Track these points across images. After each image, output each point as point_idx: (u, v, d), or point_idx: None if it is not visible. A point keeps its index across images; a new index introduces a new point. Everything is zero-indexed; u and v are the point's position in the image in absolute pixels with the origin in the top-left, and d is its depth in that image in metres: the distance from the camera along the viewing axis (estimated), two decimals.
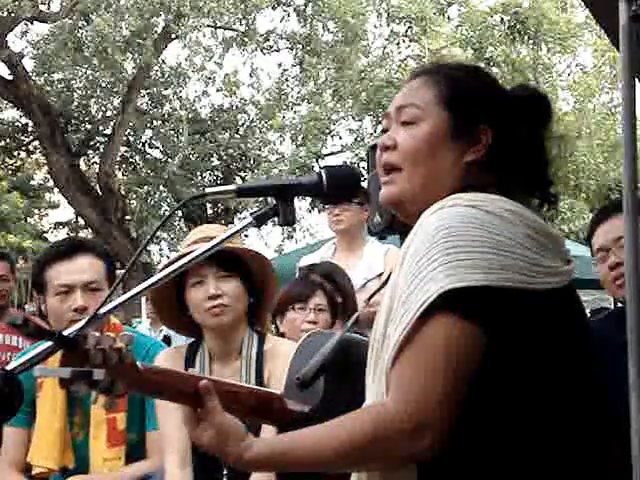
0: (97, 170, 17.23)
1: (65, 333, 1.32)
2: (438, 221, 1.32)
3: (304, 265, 4.00)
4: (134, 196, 18.21)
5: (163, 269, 1.49)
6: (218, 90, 18.57)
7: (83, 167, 18.28)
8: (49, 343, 1.33)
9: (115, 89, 17.23)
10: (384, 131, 1.53)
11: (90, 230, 17.09)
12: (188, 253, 1.46)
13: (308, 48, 16.88)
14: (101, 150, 18.07)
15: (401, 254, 1.38)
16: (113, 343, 1.34)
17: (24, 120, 18.05)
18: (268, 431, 1.86)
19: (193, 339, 2.50)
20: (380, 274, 4.03)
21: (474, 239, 1.29)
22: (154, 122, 18.55)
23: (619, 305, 2.60)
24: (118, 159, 18.10)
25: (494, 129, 1.46)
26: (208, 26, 16.67)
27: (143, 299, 7.38)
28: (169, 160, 17.36)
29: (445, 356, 1.27)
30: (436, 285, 1.26)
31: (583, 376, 1.38)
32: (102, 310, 1.36)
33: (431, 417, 1.25)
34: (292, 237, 18.59)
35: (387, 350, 1.33)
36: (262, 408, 1.55)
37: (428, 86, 1.49)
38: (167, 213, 17.99)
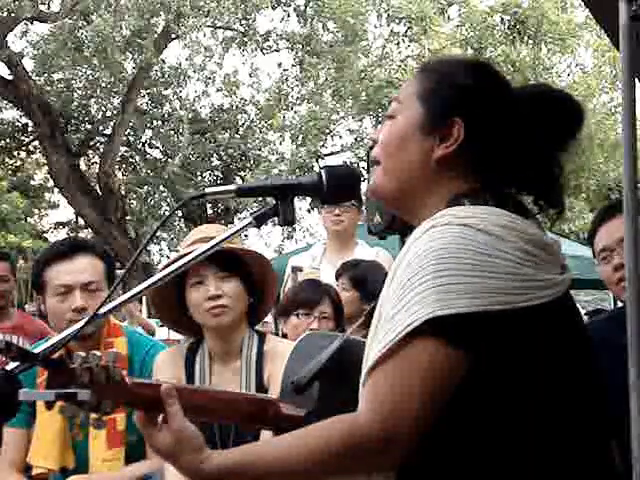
0: (97, 170, 17.24)
1: (54, 339, 1.31)
2: (429, 242, 1.30)
3: (298, 265, 4.03)
4: (134, 196, 18.22)
5: (163, 269, 1.49)
6: (218, 90, 18.58)
7: (83, 167, 18.29)
8: (49, 343, 1.33)
9: (115, 89, 17.23)
10: None
11: (90, 230, 17.10)
12: (188, 253, 1.46)
13: (308, 48, 16.87)
14: (101, 150, 18.07)
15: (392, 269, 1.37)
16: (100, 361, 1.32)
17: (24, 120, 18.06)
18: (267, 435, 1.85)
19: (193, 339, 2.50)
20: None
21: (464, 262, 1.27)
22: (154, 122, 18.56)
23: (620, 305, 2.60)
24: (118, 159, 18.11)
25: (470, 126, 1.42)
26: (208, 26, 16.67)
27: (144, 299, 7.40)
28: (169, 160, 17.35)
29: (422, 378, 1.26)
30: (423, 309, 1.25)
31: (583, 384, 1.37)
32: (102, 310, 1.35)
33: (400, 435, 1.25)
34: (292, 237, 18.61)
35: (366, 364, 1.33)
36: (258, 414, 1.54)
37: (415, 80, 1.50)
38: (167, 213, 17.99)
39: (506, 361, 1.29)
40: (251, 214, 1.44)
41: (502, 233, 1.31)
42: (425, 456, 1.30)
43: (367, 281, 3.51)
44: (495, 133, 1.43)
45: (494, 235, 1.31)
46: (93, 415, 1.34)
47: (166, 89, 18.33)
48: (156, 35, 16.13)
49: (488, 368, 1.28)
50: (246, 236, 16.94)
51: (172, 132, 18.03)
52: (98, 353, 1.32)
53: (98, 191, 16.60)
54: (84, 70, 17.09)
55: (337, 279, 3.60)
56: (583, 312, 10.77)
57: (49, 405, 1.30)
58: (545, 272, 1.33)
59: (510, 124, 1.44)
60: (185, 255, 1.49)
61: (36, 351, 1.31)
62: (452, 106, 1.44)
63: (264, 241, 19.22)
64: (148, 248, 16.12)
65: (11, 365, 1.28)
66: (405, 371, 1.27)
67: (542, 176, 1.46)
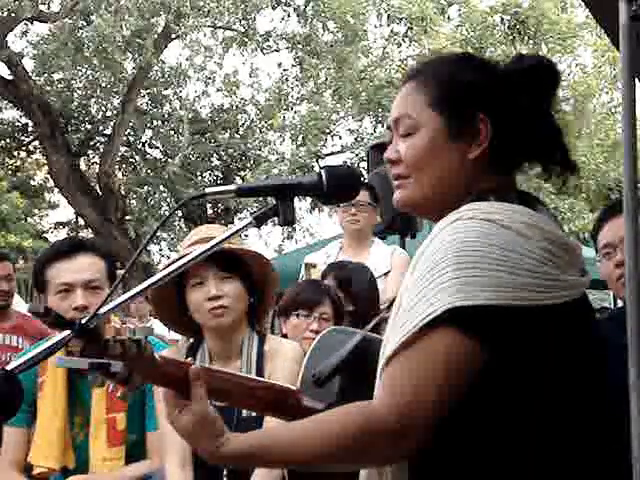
0: (97, 170, 17.23)
1: (48, 344, 1.31)
2: (453, 234, 1.32)
3: (313, 262, 4.03)
4: (134, 196, 18.21)
5: (163, 269, 1.49)
6: (218, 90, 18.58)
7: (83, 167, 18.28)
8: (49, 343, 1.33)
9: (115, 89, 17.23)
10: (389, 143, 1.53)
11: (90, 230, 17.09)
12: (188, 254, 1.46)
13: (308, 48, 16.87)
14: (101, 150, 18.07)
15: (414, 260, 1.38)
16: (132, 335, 1.34)
17: (24, 120, 18.04)
18: (272, 422, 1.86)
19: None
20: (386, 273, 4.08)
21: (487, 256, 1.28)
22: (154, 122, 18.55)
23: (620, 305, 2.60)
24: (118, 159, 18.11)
25: (491, 117, 1.44)
26: (208, 26, 16.68)
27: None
28: (169, 160, 17.35)
29: (441, 368, 1.27)
30: (443, 300, 1.26)
31: (593, 386, 1.38)
32: (102, 310, 1.36)
33: (417, 424, 1.26)
34: (292, 237, 18.59)
35: (384, 354, 1.33)
36: (277, 403, 1.55)
37: (417, 91, 1.48)
38: (167, 213, 17.99)
39: (521, 357, 1.30)
40: (251, 214, 1.44)
41: (526, 231, 1.32)
42: (438, 446, 1.30)
43: (352, 282, 3.52)
44: (512, 116, 1.44)
45: (518, 232, 1.32)
46: (98, 399, 1.36)
47: (166, 89, 18.32)
48: (156, 35, 16.13)
49: (503, 362, 1.29)
50: (246, 236, 16.94)
51: (172, 132, 18.03)
52: (131, 326, 1.34)
53: (98, 191, 16.60)
54: (84, 70, 17.09)
55: (323, 279, 3.61)
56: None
57: (82, 372, 1.32)
58: (565, 273, 1.34)
59: (517, 101, 1.45)
60: (185, 255, 1.49)
61: (37, 349, 1.31)
62: (471, 104, 1.44)
63: (264, 241, 19.22)
64: (148, 248, 16.12)
65: (11, 365, 1.28)
66: (423, 361, 1.28)
67: (547, 139, 1.48)
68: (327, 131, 17.12)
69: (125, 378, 1.35)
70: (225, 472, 2.29)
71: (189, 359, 1.47)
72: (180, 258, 1.60)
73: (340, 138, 17.72)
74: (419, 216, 1.58)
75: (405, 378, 1.28)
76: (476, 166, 1.44)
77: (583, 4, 3.47)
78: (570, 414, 1.34)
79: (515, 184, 1.48)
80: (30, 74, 16.21)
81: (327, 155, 17.58)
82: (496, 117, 1.44)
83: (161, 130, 18.32)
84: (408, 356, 1.29)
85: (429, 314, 1.27)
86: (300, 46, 17.07)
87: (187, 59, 17.40)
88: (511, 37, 15.81)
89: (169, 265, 1.57)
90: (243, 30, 16.80)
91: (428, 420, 1.26)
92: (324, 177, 1.46)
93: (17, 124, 18.62)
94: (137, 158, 19.13)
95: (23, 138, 18.95)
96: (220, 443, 1.35)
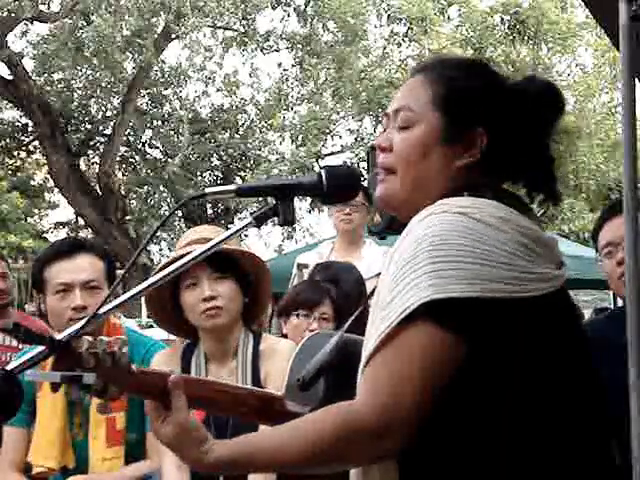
0: (97, 170, 17.27)
1: (59, 336, 1.31)
2: (426, 229, 1.31)
3: (305, 262, 4.02)
4: (134, 196, 18.24)
5: (161, 270, 1.49)
6: (218, 90, 18.61)
7: (83, 167, 18.31)
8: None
9: (115, 89, 17.26)
10: (384, 131, 1.53)
11: (90, 230, 17.12)
12: (187, 254, 1.46)
13: (308, 48, 16.90)
14: (101, 150, 18.10)
15: (387, 258, 1.38)
16: (107, 346, 1.33)
17: (24, 120, 18.08)
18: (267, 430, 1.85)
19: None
20: (378, 274, 4.06)
21: (460, 249, 1.28)
22: (154, 122, 18.58)
23: (620, 304, 2.60)
24: (118, 159, 18.14)
25: (490, 131, 1.43)
26: (208, 26, 16.70)
27: (143, 299, 7.42)
28: (169, 160, 17.38)
29: (420, 364, 1.26)
30: (419, 294, 1.26)
31: (579, 378, 1.37)
32: (101, 310, 1.35)
33: (397, 422, 1.26)
34: (292, 237, 18.62)
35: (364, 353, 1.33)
36: (263, 409, 1.54)
37: (424, 86, 1.47)
38: (167, 213, 18.02)
39: (500, 349, 1.30)
40: (251, 214, 1.43)
41: (498, 224, 1.32)
42: (424, 442, 1.30)
43: (339, 282, 3.51)
44: (511, 135, 1.44)
45: (490, 225, 1.32)
46: (97, 400, 1.35)
47: (166, 89, 18.35)
48: (156, 35, 16.15)
49: (482, 355, 1.28)
50: (246, 236, 16.96)
51: (172, 132, 18.06)
52: (105, 338, 1.33)
53: (98, 191, 16.63)
54: (84, 70, 17.13)
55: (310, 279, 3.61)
56: (590, 310, 10.74)
57: (54, 387, 1.31)
58: (540, 266, 1.34)
59: (519, 122, 1.45)
60: (184, 256, 1.48)
61: (37, 350, 1.31)
62: (473, 114, 1.44)
63: (264, 241, 19.25)
64: (148, 248, 16.14)
65: (11, 365, 1.28)
66: (400, 358, 1.27)
67: (538, 167, 1.48)
68: (327, 131, 17.15)
69: (101, 390, 1.34)
70: None
71: (173, 371, 1.45)
72: (178, 259, 1.60)
73: (340, 138, 17.78)
74: (399, 218, 1.55)
75: (385, 377, 1.28)
76: (460, 173, 1.44)
77: (583, 4, 3.47)
78: (553, 407, 1.33)
79: (492, 183, 1.46)
80: (30, 74, 16.24)
81: (327, 155, 17.61)
82: (492, 133, 1.43)
83: (161, 130, 18.35)
84: (386, 353, 1.28)
85: (405, 309, 1.26)
86: (300, 46, 17.10)
87: (187, 59, 17.44)
88: (511, 37, 15.84)
89: (166, 266, 1.56)
90: (243, 30, 16.84)
91: (408, 418, 1.26)
92: (324, 177, 1.46)
93: (17, 124, 18.65)
94: (137, 158, 19.16)
95: (23, 138, 18.97)
96: (204, 451, 1.34)
